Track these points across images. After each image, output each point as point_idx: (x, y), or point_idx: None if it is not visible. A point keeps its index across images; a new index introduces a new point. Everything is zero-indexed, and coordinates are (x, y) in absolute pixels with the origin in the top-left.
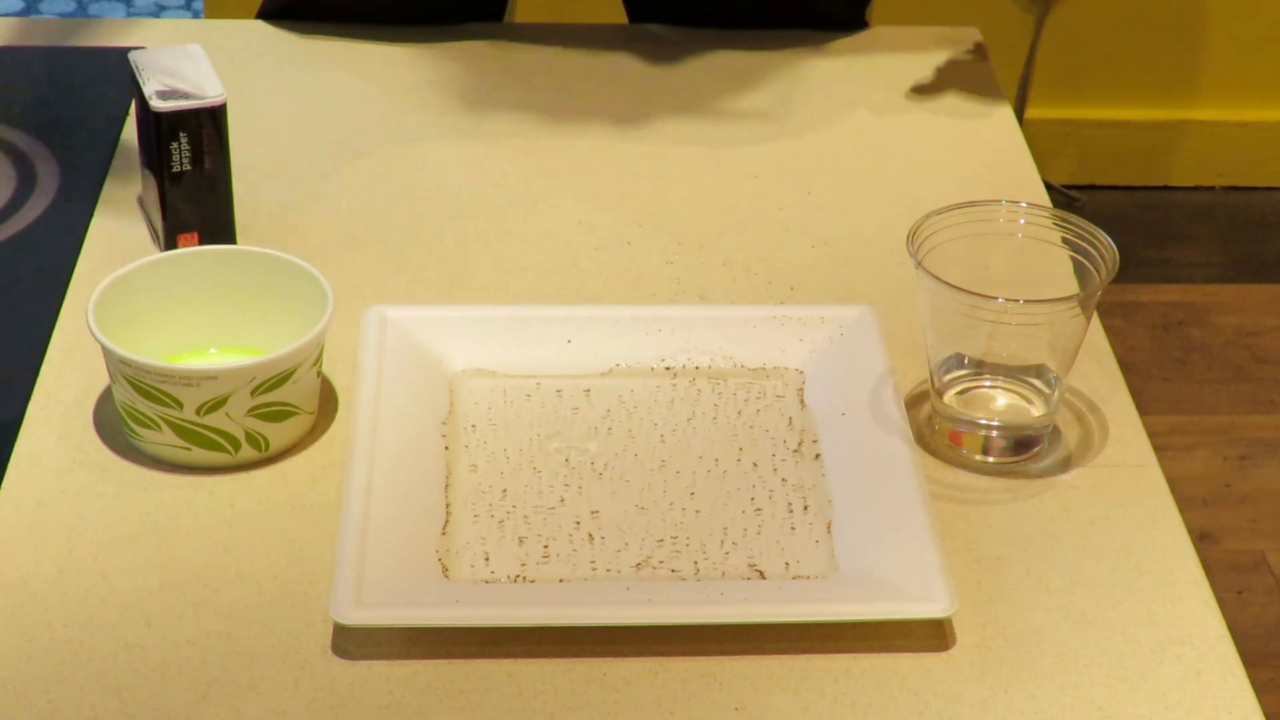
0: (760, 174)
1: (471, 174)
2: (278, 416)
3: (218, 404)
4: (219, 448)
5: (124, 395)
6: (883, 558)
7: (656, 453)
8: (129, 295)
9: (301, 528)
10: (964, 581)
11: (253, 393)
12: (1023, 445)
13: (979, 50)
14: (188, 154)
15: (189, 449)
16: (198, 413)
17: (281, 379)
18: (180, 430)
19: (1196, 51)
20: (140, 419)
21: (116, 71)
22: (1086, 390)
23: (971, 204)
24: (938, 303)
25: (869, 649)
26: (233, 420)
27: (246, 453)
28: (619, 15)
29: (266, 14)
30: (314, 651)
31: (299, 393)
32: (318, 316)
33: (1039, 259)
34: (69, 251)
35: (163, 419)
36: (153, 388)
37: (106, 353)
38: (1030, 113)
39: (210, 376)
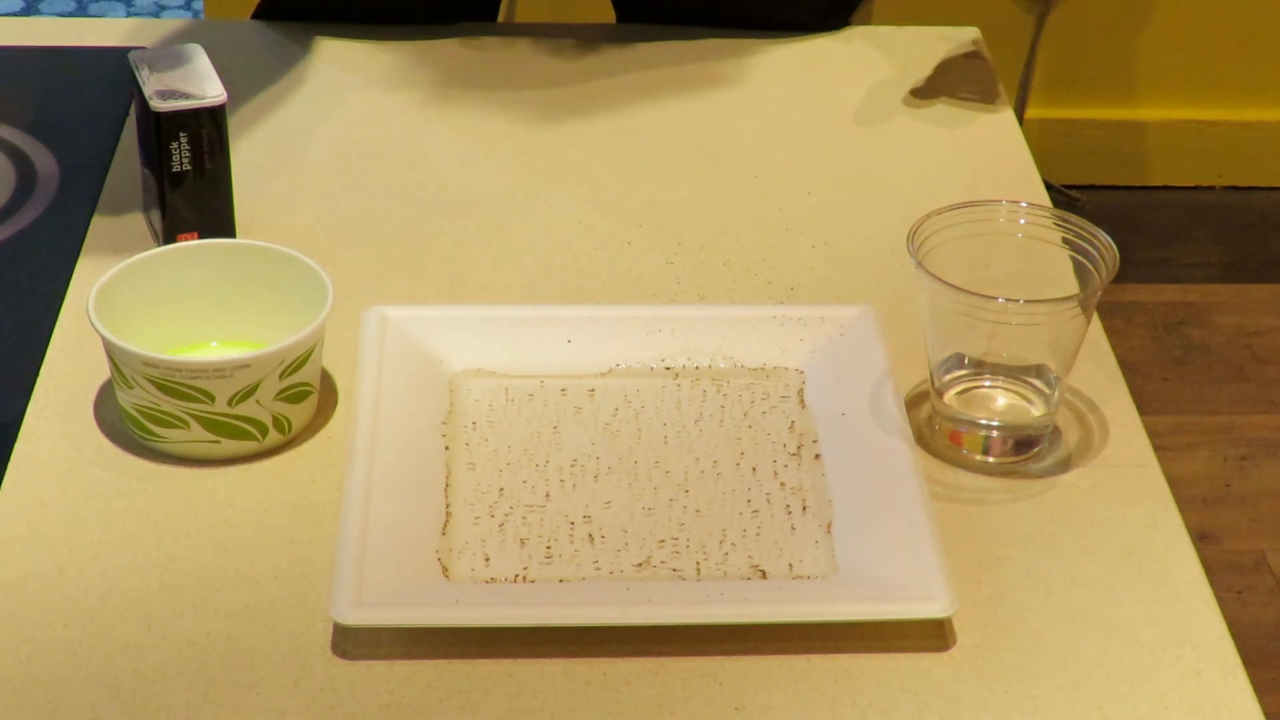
0: (760, 174)
1: (471, 174)
2: (298, 397)
3: (249, 392)
4: (248, 436)
5: (143, 398)
6: (883, 558)
7: (657, 453)
8: (127, 291)
9: (301, 528)
10: (964, 581)
11: (281, 375)
12: (1023, 445)
13: (979, 50)
14: (188, 154)
15: (218, 441)
16: (229, 403)
17: (304, 359)
18: (210, 424)
19: (1196, 51)
20: (163, 419)
21: (116, 71)
22: (1086, 390)
23: (971, 204)
24: (938, 303)
25: (869, 649)
26: (262, 406)
27: (273, 437)
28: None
29: (263, 14)
30: (314, 651)
31: (313, 371)
32: (316, 308)
33: (1039, 259)
34: (69, 251)
35: (191, 415)
36: (182, 384)
37: (123, 355)
38: (1030, 113)
39: (243, 365)
